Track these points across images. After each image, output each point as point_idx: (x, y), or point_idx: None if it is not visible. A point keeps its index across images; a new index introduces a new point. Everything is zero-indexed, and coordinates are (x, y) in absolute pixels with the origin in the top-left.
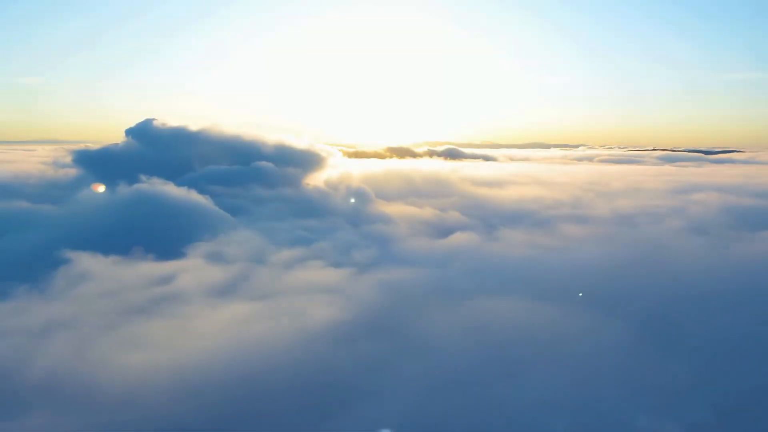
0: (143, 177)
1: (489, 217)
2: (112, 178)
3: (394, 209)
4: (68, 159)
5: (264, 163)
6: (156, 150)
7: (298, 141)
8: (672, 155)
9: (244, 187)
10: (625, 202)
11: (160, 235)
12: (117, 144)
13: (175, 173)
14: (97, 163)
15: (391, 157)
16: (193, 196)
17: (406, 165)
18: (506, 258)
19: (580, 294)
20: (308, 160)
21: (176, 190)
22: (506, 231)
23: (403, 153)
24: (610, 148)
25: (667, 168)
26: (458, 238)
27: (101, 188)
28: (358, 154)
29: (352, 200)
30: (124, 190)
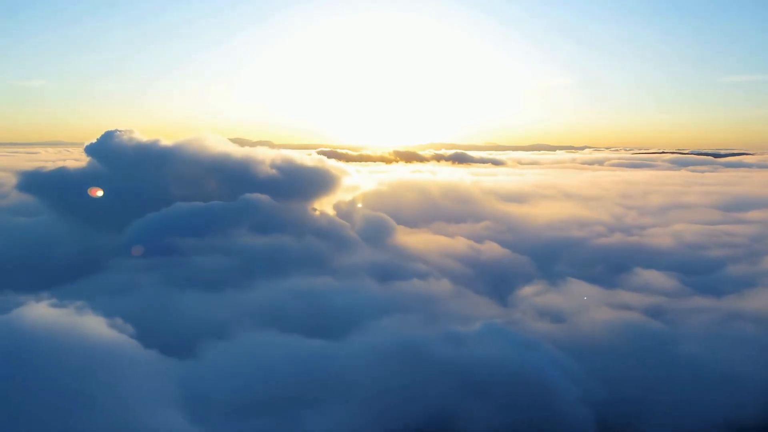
0: None
1: (537, 252)
2: (66, 208)
3: (420, 241)
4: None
5: (256, 196)
6: (120, 172)
7: (302, 158)
8: (682, 158)
9: (226, 234)
10: (682, 227)
11: None
12: (86, 162)
13: (139, 205)
14: (50, 188)
15: (397, 161)
16: (84, 327)
17: (420, 176)
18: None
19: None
20: (315, 183)
21: (48, 315)
22: (576, 283)
23: (409, 157)
24: (617, 150)
25: (685, 174)
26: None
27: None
28: (362, 158)
29: (372, 243)
30: None
